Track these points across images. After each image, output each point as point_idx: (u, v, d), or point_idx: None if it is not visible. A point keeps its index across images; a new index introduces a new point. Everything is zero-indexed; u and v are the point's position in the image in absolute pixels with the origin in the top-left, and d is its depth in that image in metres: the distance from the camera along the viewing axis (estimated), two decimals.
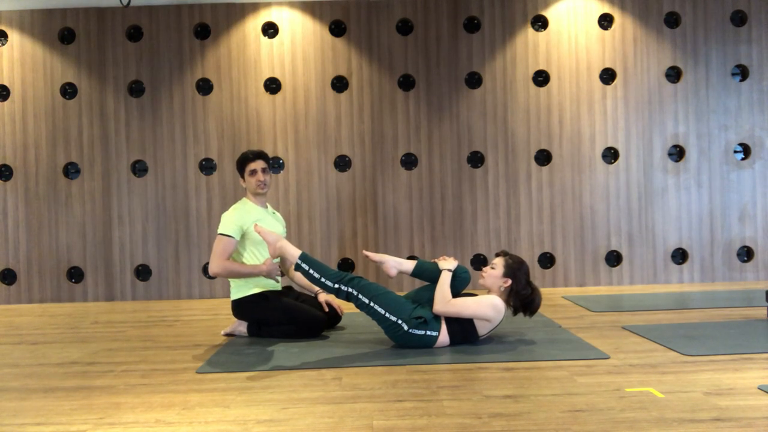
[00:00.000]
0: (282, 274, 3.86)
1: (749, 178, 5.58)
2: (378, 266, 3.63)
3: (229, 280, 3.69)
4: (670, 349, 3.05)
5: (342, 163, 5.62)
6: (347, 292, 3.20)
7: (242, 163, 3.72)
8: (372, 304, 3.16)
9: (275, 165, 5.56)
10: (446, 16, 5.56)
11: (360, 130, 5.55)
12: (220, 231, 3.58)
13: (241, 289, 3.62)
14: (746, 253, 5.64)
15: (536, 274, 5.49)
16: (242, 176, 3.74)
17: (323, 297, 3.76)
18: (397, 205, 5.55)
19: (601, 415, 2.14)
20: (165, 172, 5.54)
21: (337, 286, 3.21)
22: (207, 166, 5.61)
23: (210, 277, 5.53)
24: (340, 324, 3.90)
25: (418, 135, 5.55)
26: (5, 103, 5.53)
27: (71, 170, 5.59)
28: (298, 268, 3.25)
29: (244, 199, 3.76)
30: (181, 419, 2.23)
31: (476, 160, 5.61)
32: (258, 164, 3.71)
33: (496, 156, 5.56)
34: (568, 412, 2.18)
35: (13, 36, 5.52)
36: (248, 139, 5.53)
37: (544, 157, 5.60)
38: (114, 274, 5.52)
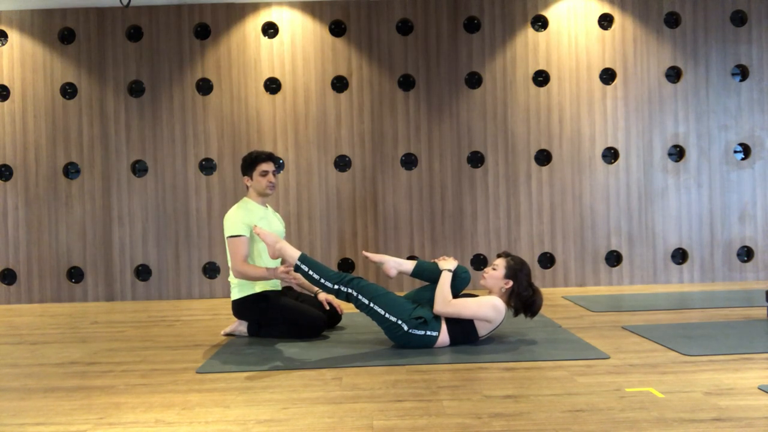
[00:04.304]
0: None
1: (749, 178, 5.58)
2: (378, 266, 3.63)
3: (229, 279, 3.69)
4: (670, 349, 3.05)
5: (342, 163, 5.62)
6: (347, 293, 3.20)
7: (253, 162, 3.71)
8: (372, 304, 3.16)
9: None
10: (446, 16, 5.56)
11: (360, 130, 5.55)
12: (229, 233, 3.56)
13: (241, 289, 3.62)
14: (746, 253, 5.64)
15: (536, 274, 5.49)
16: (249, 176, 3.72)
17: (323, 295, 3.77)
18: (397, 205, 5.55)
19: (601, 415, 2.14)
20: (165, 172, 5.54)
21: (336, 287, 3.21)
22: (207, 166, 5.60)
23: (210, 277, 5.54)
24: (340, 324, 3.90)
25: (418, 135, 5.55)
26: (5, 103, 5.53)
27: (71, 170, 5.59)
28: (297, 269, 3.25)
29: (246, 198, 3.76)
30: (181, 419, 2.23)
31: (476, 160, 5.61)
32: (270, 166, 3.72)
33: (496, 156, 5.56)
34: (568, 412, 2.18)
35: (13, 36, 5.52)
36: (248, 139, 5.53)
37: (544, 157, 5.60)
38: (114, 274, 5.52)
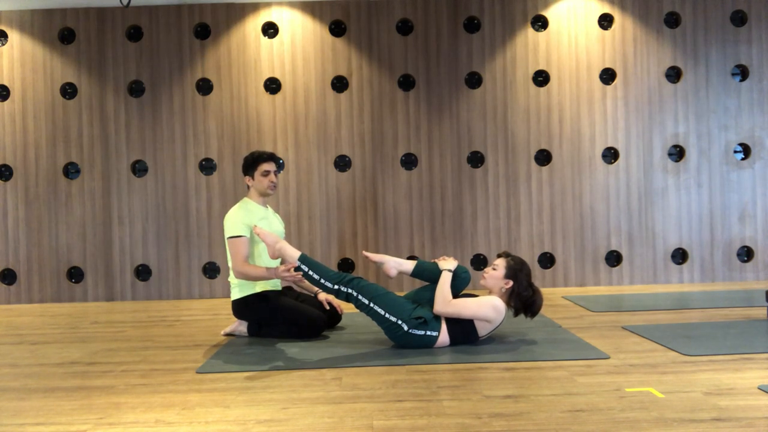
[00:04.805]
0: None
1: (749, 178, 5.58)
2: (378, 266, 3.63)
3: (229, 279, 3.70)
4: (670, 349, 3.05)
5: (342, 163, 5.62)
6: (347, 293, 3.21)
7: (254, 162, 3.71)
8: (372, 304, 3.16)
9: None
10: (446, 16, 5.56)
11: (360, 130, 5.55)
12: (230, 234, 3.56)
13: (241, 289, 3.62)
14: (746, 253, 5.64)
15: (536, 274, 5.49)
16: (251, 176, 3.73)
17: (323, 295, 3.77)
18: (397, 205, 5.55)
19: (601, 415, 2.14)
20: (165, 172, 5.54)
21: (336, 287, 3.21)
22: (207, 166, 5.60)
23: (210, 277, 5.54)
24: (340, 324, 3.90)
25: (418, 135, 5.55)
26: (5, 103, 5.53)
27: (71, 170, 5.59)
28: (297, 269, 3.25)
29: (246, 198, 3.76)
30: (181, 419, 2.23)
31: (476, 160, 5.61)
32: (271, 165, 3.72)
33: (496, 156, 5.56)
34: (568, 412, 2.18)
35: (13, 36, 5.52)
36: (248, 139, 5.53)
37: (544, 157, 5.60)
38: (114, 274, 5.52)
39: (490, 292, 3.27)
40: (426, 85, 5.55)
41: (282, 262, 3.80)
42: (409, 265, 3.43)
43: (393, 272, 3.41)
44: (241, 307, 3.64)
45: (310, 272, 3.24)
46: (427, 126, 5.55)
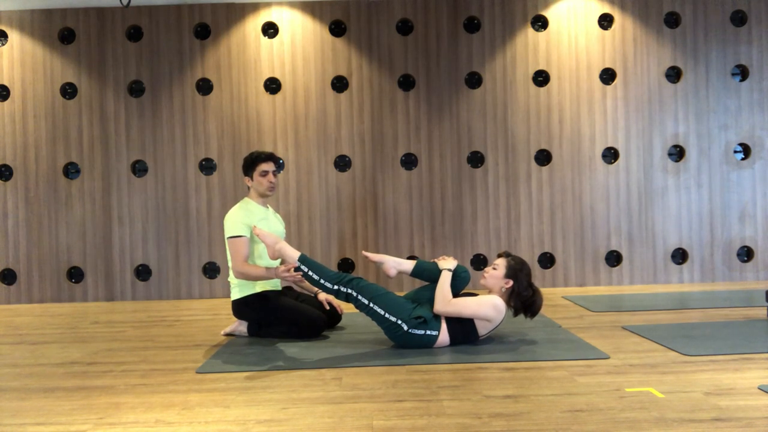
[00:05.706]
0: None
1: (749, 178, 5.58)
2: (378, 266, 3.63)
3: (229, 279, 3.70)
4: (670, 349, 3.05)
5: (342, 163, 5.62)
6: (347, 293, 3.20)
7: (253, 163, 3.71)
8: (371, 304, 3.16)
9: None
10: (446, 16, 5.56)
11: (360, 130, 5.55)
12: (230, 234, 3.56)
13: (241, 289, 3.62)
14: (746, 253, 5.64)
15: (536, 274, 5.49)
16: (250, 176, 3.73)
17: (323, 295, 3.77)
18: (397, 205, 5.55)
19: (601, 415, 2.14)
20: (165, 172, 5.54)
21: (336, 287, 3.21)
22: (207, 166, 5.61)
23: (210, 277, 5.54)
24: (340, 324, 3.90)
25: (418, 135, 5.55)
26: (5, 103, 5.53)
27: (71, 170, 5.59)
28: (297, 269, 3.25)
29: (246, 198, 3.76)
30: (181, 419, 2.23)
31: (476, 160, 5.61)
32: (270, 166, 3.72)
33: (496, 156, 5.56)
34: (568, 412, 2.18)
35: (13, 36, 5.52)
36: (248, 139, 5.53)
37: (544, 157, 5.60)
38: (114, 274, 5.52)
39: (490, 292, 3.27)
40: (426, 85, 5.55)
41: (282, 262, 3.81)
42: (409, 265, 3.43)
43: (392, 272, 3.41)
44: (241, 307, 3.64)
45: (310, 272, 3.24)
46: (427, 126, 5.55)
